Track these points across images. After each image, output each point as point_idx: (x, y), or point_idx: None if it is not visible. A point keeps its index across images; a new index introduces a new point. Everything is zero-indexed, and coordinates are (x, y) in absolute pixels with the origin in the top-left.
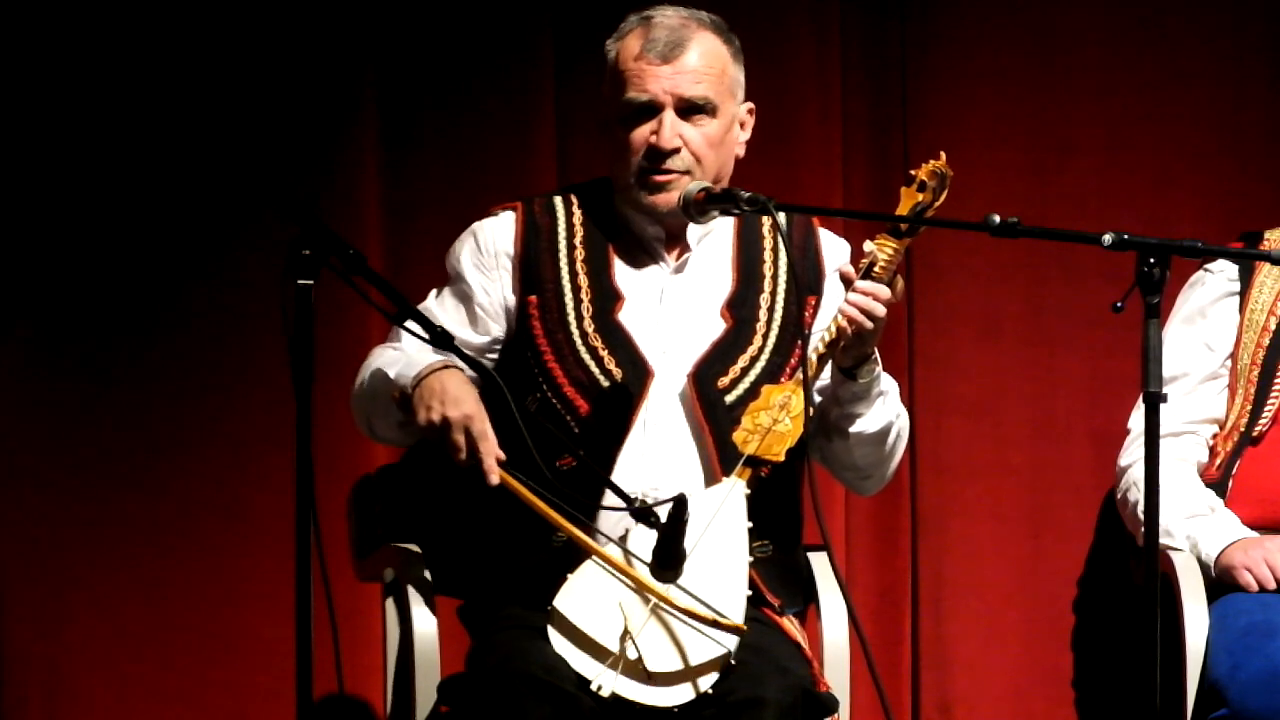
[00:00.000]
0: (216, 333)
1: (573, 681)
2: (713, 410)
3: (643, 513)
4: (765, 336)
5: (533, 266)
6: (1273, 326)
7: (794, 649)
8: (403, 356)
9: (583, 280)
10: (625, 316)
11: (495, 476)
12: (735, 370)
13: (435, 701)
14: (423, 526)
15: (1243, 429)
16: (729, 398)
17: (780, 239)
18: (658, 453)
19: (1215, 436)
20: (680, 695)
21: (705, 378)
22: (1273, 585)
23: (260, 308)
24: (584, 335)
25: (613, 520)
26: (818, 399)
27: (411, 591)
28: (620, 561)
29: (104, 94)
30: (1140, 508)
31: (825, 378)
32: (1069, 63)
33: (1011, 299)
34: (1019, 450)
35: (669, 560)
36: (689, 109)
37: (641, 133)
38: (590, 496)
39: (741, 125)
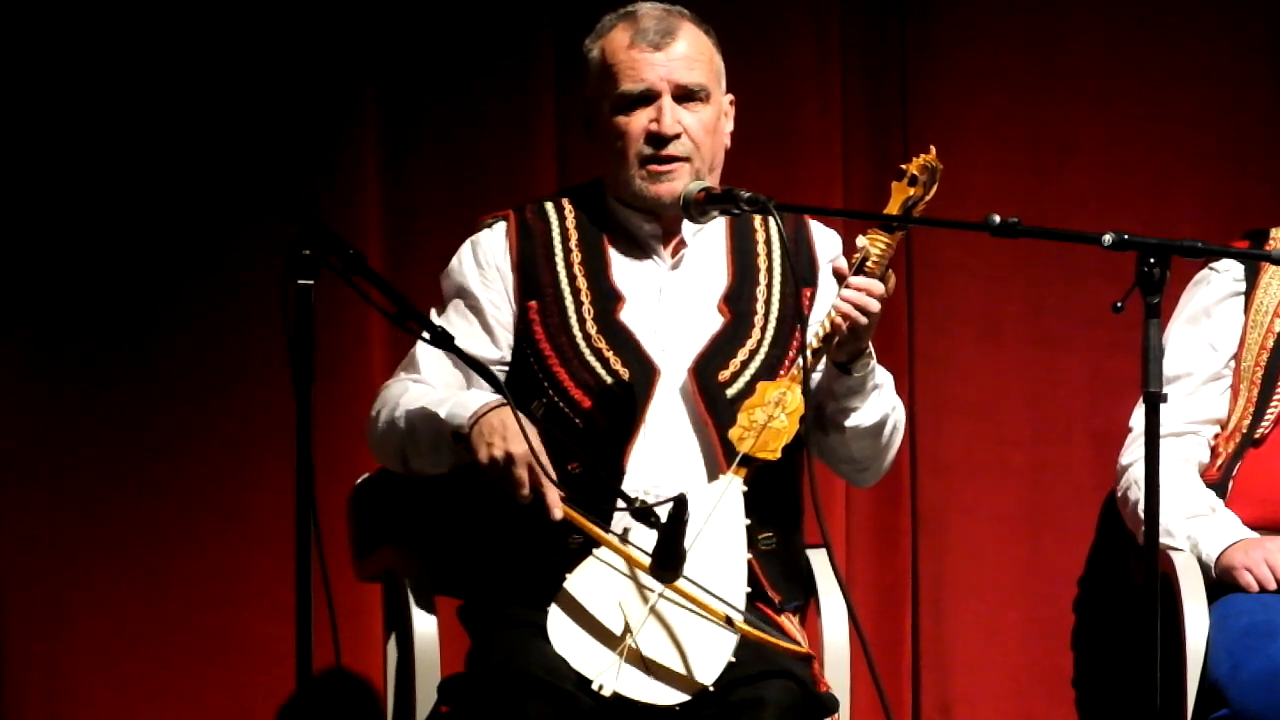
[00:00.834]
0: (216, 333)
1: (573, 681)
2: (715, 404)
3: (643, 513)
4: (764, 329)
5: (530, 273)
6: (1277, 328)
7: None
8: (442, 392)
9: (582, 282)
10: (627, 316)
11: (559, 511)
12: (735, 364)
13: (435, 701)
14: (423, 527)
15: (1245, 430)
16: (730, 391)
17: (774, 233)
18: (662, 450)
19: (1217, 437)
20: (681, 694)
21: (706, 372)
22: (1273, 585)
23: (260, 308)
24: (587, 337)
25: (613, 520)
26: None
27: (411, 591)
28: (685, 589)
29: (104, 95)
30: (1141, 507)
31: (819, 372)
32: (1069, 63)
33: (1011, 299)
34: (1019, 450)
35: (669, 560)
36: (684, 95)
37: (640, 121)
38: (598, 499)
39: (726, 115)
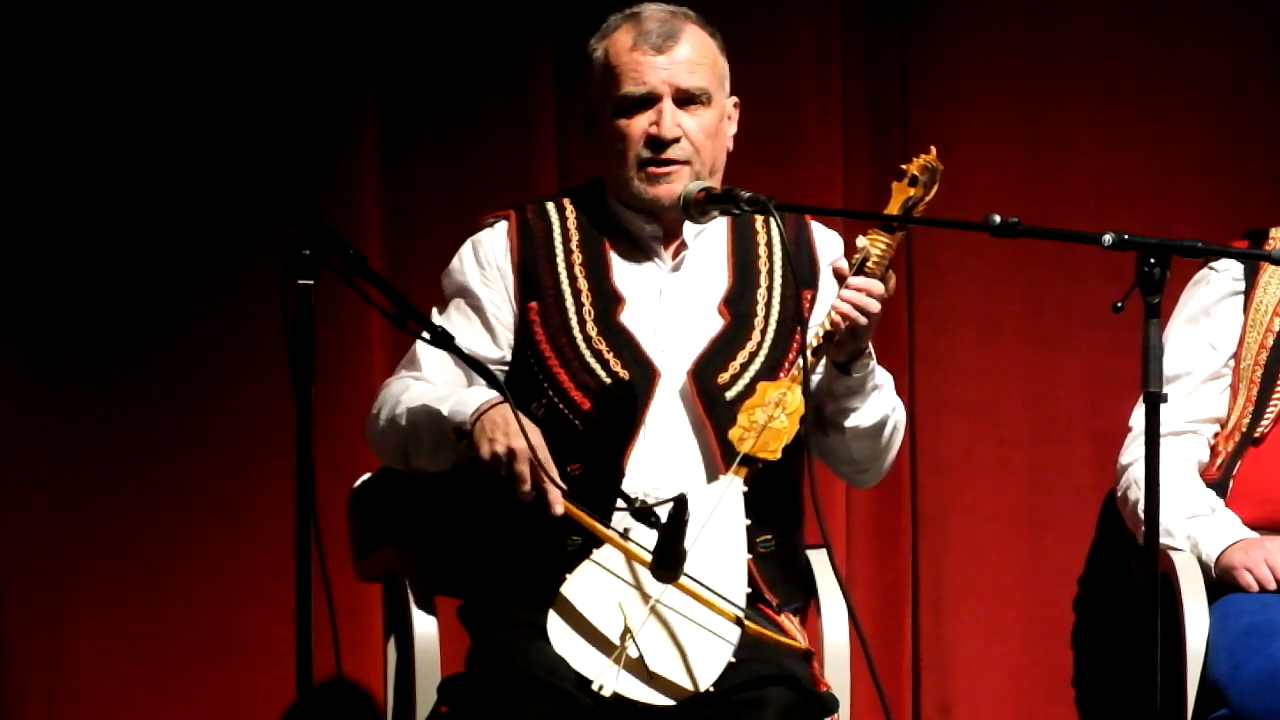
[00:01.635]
0: (216, 333)
1: (573, 681)
2: (714, 407)
3: (643, 513)
4: (764, 332)
5: (531, 273)
6: (1276, 327)
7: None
8: (443, 390)
9: (582, 284)
10: (627, 317)
11: (560, 507)
12: (735, 366)
13: (435, 701)
14: (423, 527)
15: (1244, 429)
16: (729, 394)
17: (775, 236)
18: (662, 452)
19: (1217, 436)
20: (680, 694)
21: (705, 375)
22: (1273, 585)
23: (260, 308)
24: (588, 339)
25: (613, 521)
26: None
27: (411, 592)
28: (689, 586)
29: (104, 95)
30: (1141, 507)
31: (819, 373)
32: (1069, 63)
33: (1011, 299)
34: (1019, 450)
35: (669, 560)
36: (685, 99)
37: (640, 124)
38: (599, 500)
39: (729, 118)
